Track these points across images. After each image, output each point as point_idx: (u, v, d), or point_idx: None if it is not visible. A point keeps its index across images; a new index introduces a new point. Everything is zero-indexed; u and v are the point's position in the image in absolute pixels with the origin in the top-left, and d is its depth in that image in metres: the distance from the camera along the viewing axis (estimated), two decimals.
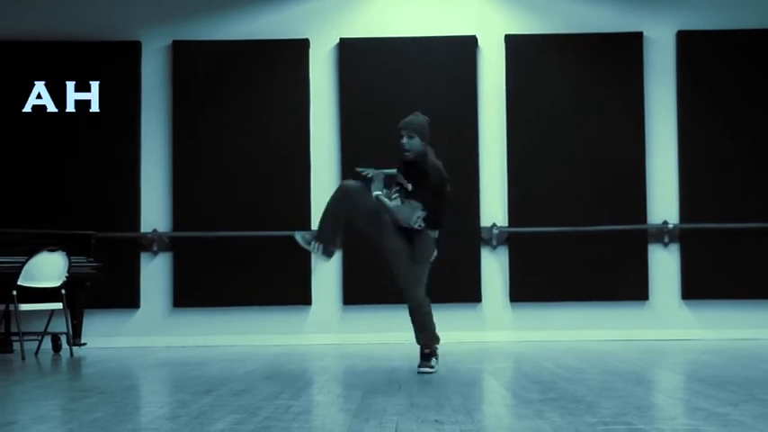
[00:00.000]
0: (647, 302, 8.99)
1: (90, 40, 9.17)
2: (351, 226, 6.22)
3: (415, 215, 5.93)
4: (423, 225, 5.96)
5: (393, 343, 8.49)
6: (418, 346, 6.12)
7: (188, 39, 9.20)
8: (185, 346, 8.82)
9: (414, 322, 6.10)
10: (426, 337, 6.09)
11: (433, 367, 6.00)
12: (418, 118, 6.09)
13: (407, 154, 6.01)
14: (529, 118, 9.09)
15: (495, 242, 9.01)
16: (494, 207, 9.05)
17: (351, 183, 6.17)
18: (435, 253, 6.13)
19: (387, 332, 8.59)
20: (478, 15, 9.25)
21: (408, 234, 5.99)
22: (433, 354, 6.07)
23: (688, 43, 9.14)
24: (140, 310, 9.03)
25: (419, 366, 6.03)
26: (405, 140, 6.01)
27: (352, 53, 9.18)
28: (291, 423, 3.94)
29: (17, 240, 8.09)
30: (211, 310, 9.00)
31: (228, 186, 9.06)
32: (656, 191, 9.06)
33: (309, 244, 6.10)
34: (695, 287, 8.97)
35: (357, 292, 8.96)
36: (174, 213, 9.07)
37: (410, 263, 6.02)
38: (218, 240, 8.99)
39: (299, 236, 6.13)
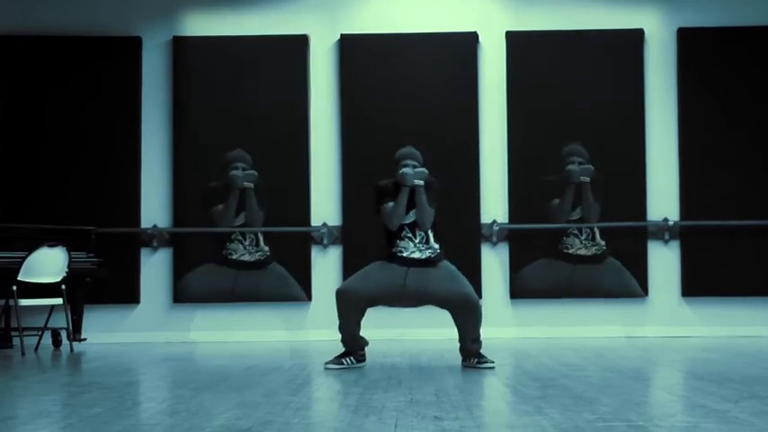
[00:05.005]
0: (647, 299, 8.99)
1: (90, 36, 9.17)
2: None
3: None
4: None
5: (392, 339, 8.48)
6: (474, 345, 6.04)
7: (188, 35, 9.20)
8: (185, 341, 8.82)
9: (477, 321, 6.04)
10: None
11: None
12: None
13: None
14: (529, 115, 9.08)
15: (495, 239, 9.01)
16: (494, 203, 9.04)
17: (346, 288, 6.12)
18: None
19: (386, 328, 8.57)
20: (479, 12, 9.24)
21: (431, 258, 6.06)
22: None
23: (689, 40, 9.12)
24: (140, 305, 9.03)
25: (480, 364, 5.97)
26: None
27: (353, 49, 9.17)
28: (291, 419, 3.93)
29: (17, 235, 8.08)
30: (211, 305, 9.00)
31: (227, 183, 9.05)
32: (656, 188, 9.05)
33: (342, 363, 6.05)
34: (695, 284, 8.97)
35: None
36: (175, 209, 9.07)
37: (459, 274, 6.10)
38: (218, 236, 8.99)
39: (328, 366, 6.03)
